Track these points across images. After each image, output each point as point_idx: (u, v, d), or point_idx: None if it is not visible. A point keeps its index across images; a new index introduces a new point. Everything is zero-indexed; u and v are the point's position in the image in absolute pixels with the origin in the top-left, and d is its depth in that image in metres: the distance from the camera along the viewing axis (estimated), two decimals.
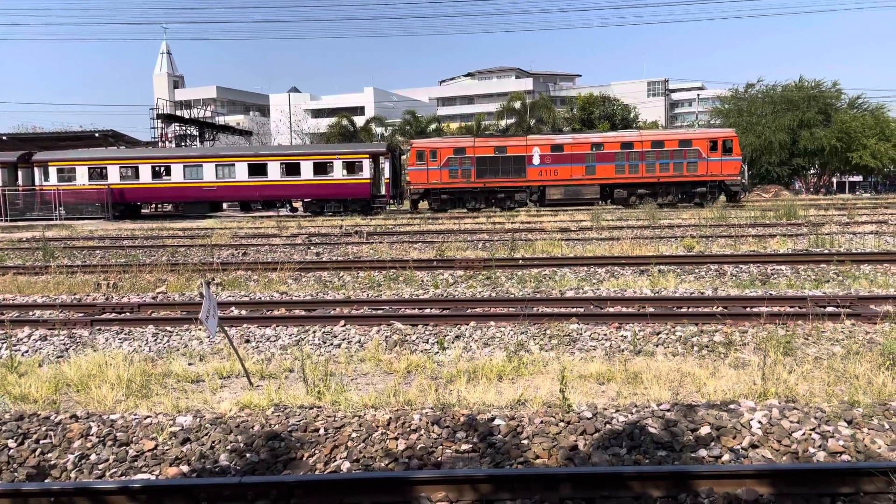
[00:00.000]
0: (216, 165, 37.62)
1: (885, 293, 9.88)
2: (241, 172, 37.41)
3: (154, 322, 9.42)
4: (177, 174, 37.75)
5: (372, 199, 37.48)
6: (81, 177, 38.05)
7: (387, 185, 37.69)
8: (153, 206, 43.53)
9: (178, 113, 55.66)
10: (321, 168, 37.18)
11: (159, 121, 49.99)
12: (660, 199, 35.31)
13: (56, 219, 37.24)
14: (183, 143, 50.40)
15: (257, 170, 37.44)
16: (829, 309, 8.86)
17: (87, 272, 14.29)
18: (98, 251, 18.92)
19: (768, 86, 59.03)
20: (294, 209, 39.64)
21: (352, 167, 36.92)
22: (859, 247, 15.69)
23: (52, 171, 38.10)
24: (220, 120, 59.75)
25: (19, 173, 39.38)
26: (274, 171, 37.19)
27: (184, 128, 51.73)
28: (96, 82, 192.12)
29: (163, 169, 38.11)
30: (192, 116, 54.58)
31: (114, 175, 38.03)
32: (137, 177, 38.09)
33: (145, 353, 8.18)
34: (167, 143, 50.11)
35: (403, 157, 41.99)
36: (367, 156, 37.19)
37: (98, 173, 38.28)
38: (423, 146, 37.08)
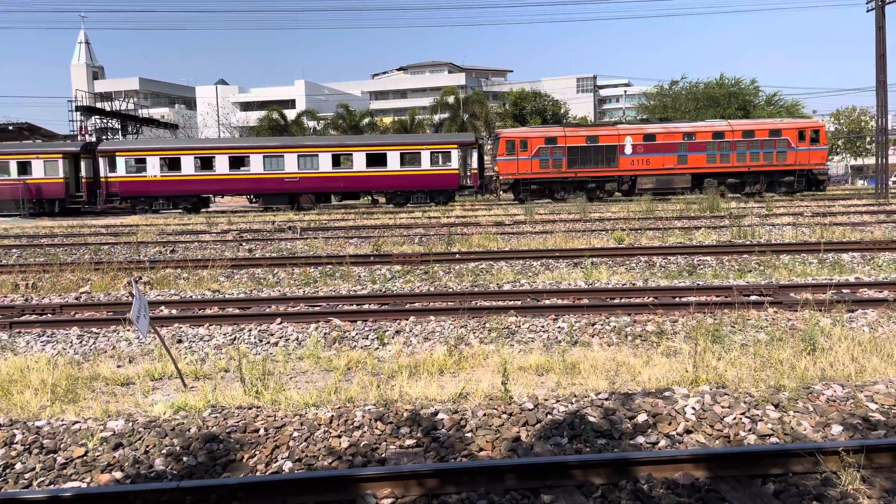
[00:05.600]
0: (298, 156, 36.10)
1: (803, 281, 10.39)
2: (324, 163, 36.06)
3: (79, 323, 9.03)
4: (256, 165, 36.14)
5: (459, 189, 36.91)
6: (152, 168, 35.98)
7: (474, 175, 37.17)
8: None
9: (99, 105, 53.30)
10: (407, 158, 36.22)
11: (78, 113, 47.80)
12: (748, 188, 35.61)
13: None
14: (104, 137, 48.34)
15: (342, 160, 36.28)
16: (753, 298, 9.26)
17: (3, 272, 13.56)
18: (14, 250, 17.98)
19: (691, 83, 61.12)
20: (374, 201, 38.42)
21: (440, 157, 36.15)
22: (778, 237, 16.45)
23: (120, 161, 35.95)
24: (144, 113, 57.51)
25: (82, 164, 37.24)
26: (359, 162, 36.05)
27: (105, 120, 49.62)
28: (7, 72, 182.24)
29: (241, 160, 36.39)
30: (114, 109, 52.38)
31: (188, 166, 36.08)
32: (212, 168, 36.26)
33: (70, 355, 7.83)
34: (87, 136, 47.96)
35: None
36: (456, 146, 36.50)
37: (170, 164, 36.23)
38: (514, 136, 36.33)
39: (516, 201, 35.92)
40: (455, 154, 36.26)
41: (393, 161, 36.07)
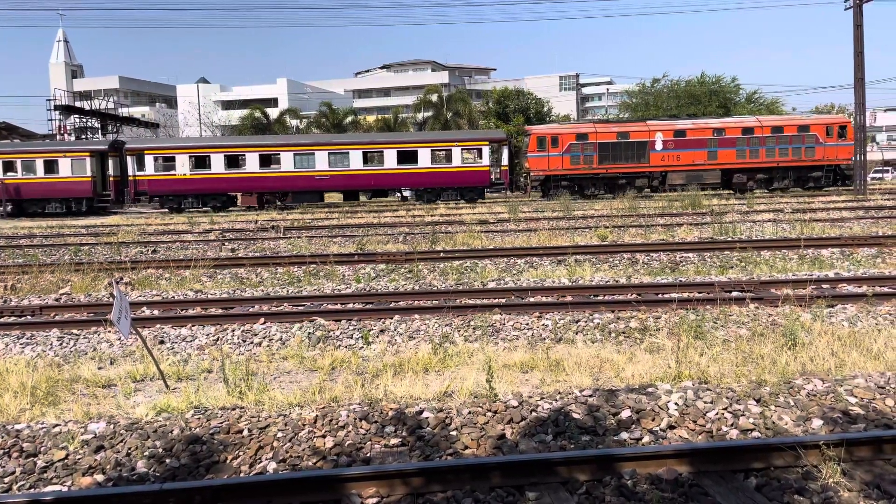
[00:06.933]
0: (329, 153, 35.89)
1: (784, 277, 10.49)
2: (355, 161, 35.84)
3: (59, 325, 8.92)
4: (286, 163, 35.85)
5: (490, 186, 36.91)
6: (182, 166, 35.49)
7: (504, 172, 37.10)
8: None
9: (78, 104, 52.71)
10: (439, 155, 36.16)
11: (57, 112, 47.26)
12: (776, 183, 35.83)
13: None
14: (83, 136, 47.82)
15: (372, 158, 36.12)
16: (735, 294, 9.34)
17: None
18: None
19: (673, 80, 61.51)
20: (404, 198, 38.32)
21: (471, 154, 36.14)
22: (759, 234, 16.60)
23: (148, 160, 35.47)
24: (124, 112, 56.96)
25: (109, 162, 36.78)
26: (390, 159, 35.85)
27: (84, 119, 49.09)
28: None
29: (271, 157, 36.11)
30: (93, 108, 51.80)
31: (217, 164, 35.69)
32: (242, 166, 35.91)
33: (50, 357, 7.73)
34: (66, 135, 47.43)
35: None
36: (487, 143, 36.52)
37: (199, 162, 35.80)
38: (544, 133, 36.27)
39: (545, 198, 35.75)
40: (486, 151, 36.28)
41: (424, 158, 35.98)
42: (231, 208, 36.96)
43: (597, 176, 35.98)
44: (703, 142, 35.67)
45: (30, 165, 35.94)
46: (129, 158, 35.88)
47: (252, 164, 35.98)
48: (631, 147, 35.69)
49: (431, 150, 36.20)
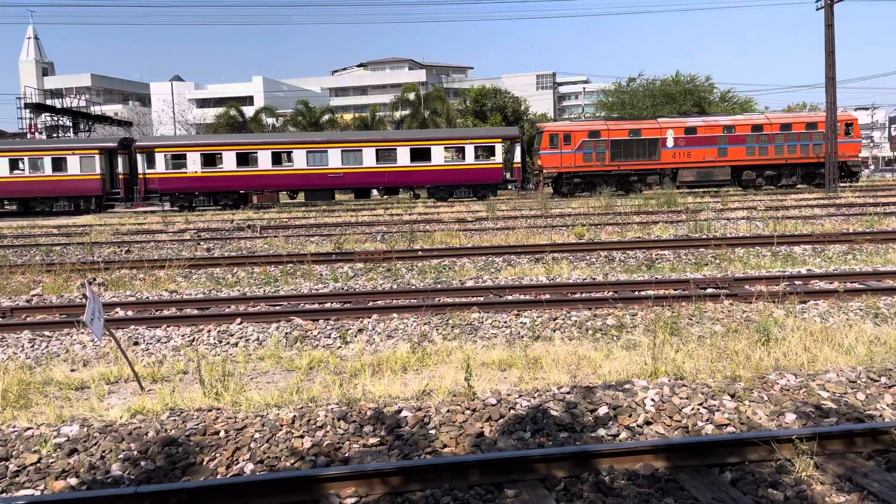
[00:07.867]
0: (342, 151, 35.59)
1: (757, 274, 10.62)
2: (368, 158, 35.62)
3: (30, 327, 8.77)
4: (299, 160, 35.50)
5: (503, 183, 36.73)
6: (193, 164, 34.93)
7: (517, 169, 36.91)
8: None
9: (49, 102, 51.83)
10: (452, 153, 36.04)
11: (27, 111, 46.44)
12: (784, 180, 36.20)
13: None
14: (55, 135, 47.04)
15: (385, 155, 35.85)
16: (710, 290, 9.45)
17: None
18: None
19: (648, 80, 61.99)
20: (416, 195, 38.23)
21: (484, 152, 36.05)
22: (733, 231, 16.81)
23: (159, 157, 34.84)
24: (97, 110, 56.11)
25: (119, 160, 36.13)
26: (403, 157, 35.70)
27: (55, 118, 48.28)
28: None
29: (284, 155, 35.76)
30: (65, 106, 50.97)
31: (229, 162, 35.19)
32: (255, 163, 35.48)
33: (22, 360, 7.60)
34: (37, 134, 46.63)
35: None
36: (500, 140, 36.47)
37: (211, 160, 35.25)
38: (557, 130, 36.26)
39: (557, 195, 35.76)
40: (499, 148, 36.38)
41: (437, 156, 35.99)
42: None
43: (609, 173, 36.17)
44: (713, 139, 36.04)
45: (37, 163, 35.33)
46: (138, 156, 35.44)
47: (264, 161, 35.72)
48: (643, 144, 35.94)
49: (445, 148, 36.29)
